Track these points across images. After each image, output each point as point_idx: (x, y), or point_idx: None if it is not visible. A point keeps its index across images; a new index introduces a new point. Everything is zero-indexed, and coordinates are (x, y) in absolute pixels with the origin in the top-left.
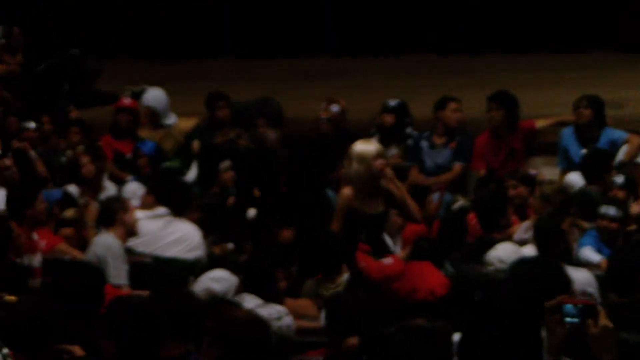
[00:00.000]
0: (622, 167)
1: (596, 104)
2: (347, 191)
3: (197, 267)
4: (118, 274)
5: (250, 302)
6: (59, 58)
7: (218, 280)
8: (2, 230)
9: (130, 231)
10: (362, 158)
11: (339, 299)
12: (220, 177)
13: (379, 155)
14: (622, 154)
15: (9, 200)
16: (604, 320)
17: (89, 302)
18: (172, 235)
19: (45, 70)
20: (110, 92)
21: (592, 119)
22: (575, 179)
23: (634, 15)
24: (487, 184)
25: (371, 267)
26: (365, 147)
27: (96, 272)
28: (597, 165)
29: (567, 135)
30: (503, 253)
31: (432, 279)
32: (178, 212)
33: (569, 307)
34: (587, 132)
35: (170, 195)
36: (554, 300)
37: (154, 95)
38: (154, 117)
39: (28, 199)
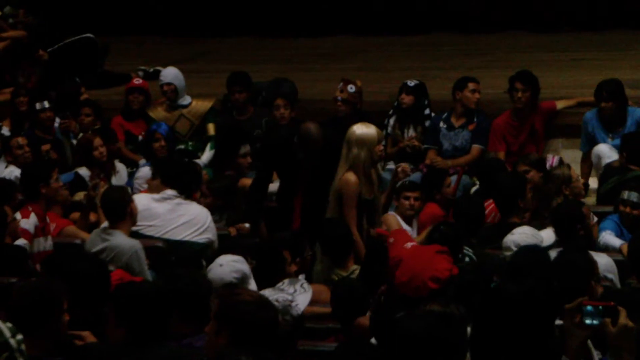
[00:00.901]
0: None
1: (616, 93)
2: (353, 177)
3: (208, 250)
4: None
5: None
6: (73, 41)
7: (226, 265)
8: None
9: (134, 220)
10: (363, 143)
11: (345, 283)
12: (238, 160)
13: (380, 140)
14: None
15: (24, 177)
16: (624, 320)
17: (94, 289)
18: (182, 218)
19: (58, 51)
20: (121, 72)
21: (615, 109)
22: (604, 149)
23: None
24: (491, 168)
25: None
26: (365, 131)
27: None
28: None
29: (591, 120)
30: (520, 237)
31: (433, 265)
32: (186, 194)
33: (589, 308)
34: (612, 117)
35: (177, 178)
36: (574, 302)
37: (174, 73)
38: (174, 95)
39: (43, 177)
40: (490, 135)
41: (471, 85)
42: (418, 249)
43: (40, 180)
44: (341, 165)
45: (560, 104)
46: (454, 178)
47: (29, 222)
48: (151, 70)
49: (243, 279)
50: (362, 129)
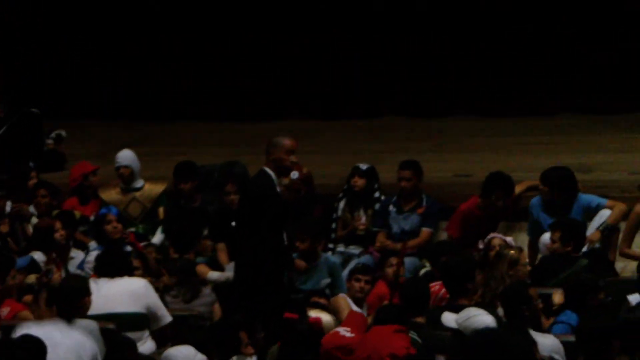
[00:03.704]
0: (607, 229)
1: (552, 178)
2: None
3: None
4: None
5: None
6: (18, 117)
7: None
8: None
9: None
10: None
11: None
12: (201, 242)
13: None
14: (600, 219)
15: None
16: None
17: None
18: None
19: (6, 132)
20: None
21: (551, 194)
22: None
23: (597, 78)
24: (443, 250)
25: (327, 336)
26: None
27: (39, 344)
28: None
29: (537, 206)
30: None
31: (391, 343)
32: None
33: None
34: (553, 203)
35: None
36: None
37: (131, 157)
38: (131, 178)
39: (1, 275)
40: (452, 217)
41: (401, 173)
42: (376, 329)
43: None
44: None
45: (517, 189)
46: (408, 260)
47: None
48: (56, 135)
49: None
50: None
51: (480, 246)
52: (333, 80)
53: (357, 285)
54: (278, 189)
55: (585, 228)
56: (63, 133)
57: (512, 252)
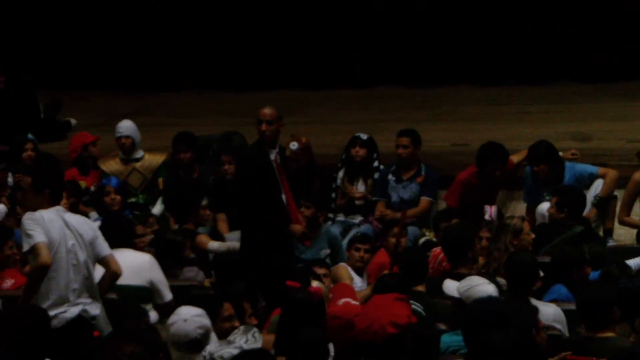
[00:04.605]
0: (600, 202)
1: (546, 154)
2: None
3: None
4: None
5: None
6: (9, 84)
7: (190, 320)
8: None
9: None
10: None
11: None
12: (199, 213)
13: None
14: (596, 189)
15: None
16: None
17: (34, 346)
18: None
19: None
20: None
21: (549, 170)
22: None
23: (597, 46)
24: (445, 218)
25: (338, 308)
26: None
27: (42, 315)
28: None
29: (529, 175)
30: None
31: (393, 311)
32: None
33: None
34: (548, 177)
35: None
36: (558, 356)
37: (132, 127)
38: (131, 148)
39: None
40: (451, 187)
41: (398, 141)
42: (377, 298)
43: None
44: None
45: (515, 158)
46: (410, 229)
47: None
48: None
49: (207, 334)
50: None
51: (487, 217)
52: (328, 49)
53: (356, 254)
54: (272, 157)
55: (584, 196)
56: (73, 121)
57: (515, 221)
